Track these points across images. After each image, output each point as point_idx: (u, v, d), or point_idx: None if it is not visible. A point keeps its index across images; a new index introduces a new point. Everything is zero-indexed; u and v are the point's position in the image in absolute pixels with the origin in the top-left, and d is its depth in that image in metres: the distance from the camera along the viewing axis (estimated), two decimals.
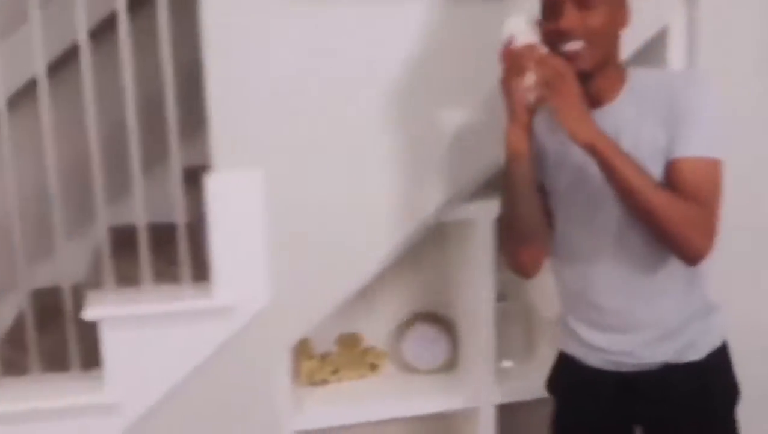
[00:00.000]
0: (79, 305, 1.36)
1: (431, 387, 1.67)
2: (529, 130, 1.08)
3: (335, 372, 1.69)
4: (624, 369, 1.16)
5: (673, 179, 1.05)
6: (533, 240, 1.18)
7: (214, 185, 1.34)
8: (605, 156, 1.01)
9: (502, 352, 1.62)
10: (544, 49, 1.03)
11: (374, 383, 1.71)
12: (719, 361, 1.18)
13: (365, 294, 1.57)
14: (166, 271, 1.44)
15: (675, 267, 1.10)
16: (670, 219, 1.01)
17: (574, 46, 1.03)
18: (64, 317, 1.37)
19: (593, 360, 1.18)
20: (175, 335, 1.38)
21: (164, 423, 1.40)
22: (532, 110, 1.05)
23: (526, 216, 1.15)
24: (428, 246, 1.64)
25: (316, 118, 1.36)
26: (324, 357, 1.71)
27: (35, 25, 1.27)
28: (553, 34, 1.04)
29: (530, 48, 1.03)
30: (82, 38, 1.30)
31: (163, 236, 1.42)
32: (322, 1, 1.31)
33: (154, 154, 1.39)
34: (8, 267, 1.38)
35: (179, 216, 1.39)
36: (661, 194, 1.02)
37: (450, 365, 1.70)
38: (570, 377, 1.25)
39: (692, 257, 1.06)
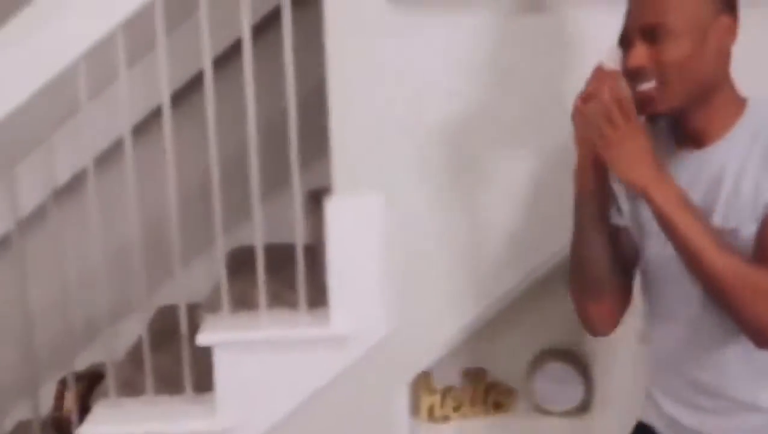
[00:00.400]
0: (196, 326, 1.38)
1: (563, 430, 1.58)
2: (597, 166, 0.94)
3: (457, 408, 1.64)
4: None
5: (759, 238, 0.87)
6: (600, 291, 1.04)
7: (333, 209, 1.32)
8: (657, 205, 0.87)
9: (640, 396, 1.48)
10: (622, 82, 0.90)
11: (499, 423, 1.65)
12: None
13: (492, 328, 1.51)
14: (283, 293, 1.44)
15: None
16: (734, 289, 0.85)
17: (644, 87, 0.90)
18: (180, 339, 1.39)
19: None
20: (289, 362, 1.36)
21: None
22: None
23: (591, 261, 1.02)
24: (560, 277, 1.52)
25: (439, 145, 1.33)
26: (446, 393, 1.66)
27: (161, 53, 1.32)
28: (625, 72, 0.91)
29: (606, 76, 0.91)
30: (207, 65, 1.34)
31: (283, 257, 1.44)
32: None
33: (281, 176, 1.41)
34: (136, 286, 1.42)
35: (298, 240, 1.39)
36: (726, 259, 0.85)
37: (584, 408, 1.60)
38: None
39: (762, 339, 0.87)
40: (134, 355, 1.51)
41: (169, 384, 1.43)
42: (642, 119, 0.92)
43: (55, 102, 1.32)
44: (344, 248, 1.33)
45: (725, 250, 0.86)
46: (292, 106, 1.32)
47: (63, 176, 1.60)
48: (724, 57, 0.92)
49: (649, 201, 0.88)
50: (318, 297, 1.37)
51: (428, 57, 1.29)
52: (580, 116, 0.91)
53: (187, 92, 1.71)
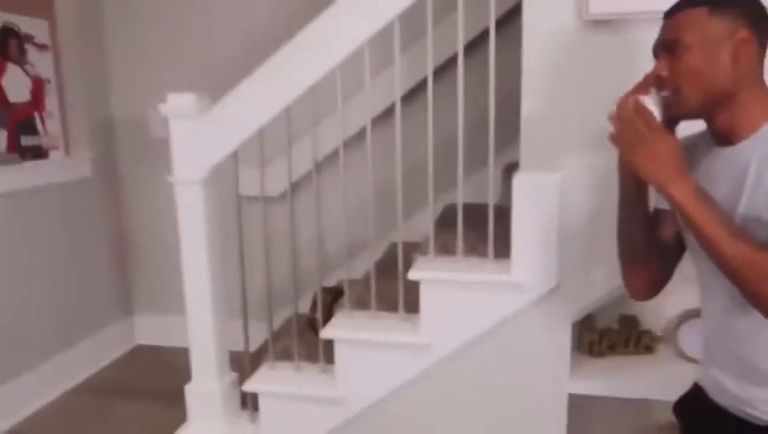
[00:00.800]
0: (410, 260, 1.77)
1: None
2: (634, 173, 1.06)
3: (612, 347, 1.86)
4: (747, 418, 1.06)
5: None
6: (637, 261, 1.17)
7: (518, 182, 1.60)
8: (676, 201, 0.96)
9: None
10: (655, 113, 1.02)
11: (646, 363, 1.84)
12: None
13: None
14: (477, 244, 1.76)
15: None
16: (742, 270, 0.92)
17: (663, 94, 1.02)
18: (397, 271, 1.79)
19: (721, 399, 1.11)
20: (478, 299, 1.69)
21: (460, 367, 1.74)
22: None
23: (629, 234, 1.16)
24: None
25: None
26: (603, 333, 1.87)
27: (397, 68, 1.70)
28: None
29: (635, 90, 1.05)
30: (429, 73, 1.69)
31: (482, 215, 1.73)
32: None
33: (486, 153, 1.71)
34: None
35: (490, 203, 1.70)
36: (739, 247, 0.92)
37: None
38: (698, 408, 1.18)
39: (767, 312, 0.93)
40: (367, 279, 1.92)
41: (389, 304, 1.85)
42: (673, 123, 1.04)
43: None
44: (525, 213, 1.60)
45: (736, 237, 0.93)
46: (492, 103, 1.62)
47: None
48: (745, 66, 0.99)
49: (669, 198, 0.97)
50: (505, 250, 1.67)
51: (611, 71, 1.46)
52: (614, 121, 1.04)
53: (416, 92, 2.14)
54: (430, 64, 1.67)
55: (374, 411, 1.82)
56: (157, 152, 2.84)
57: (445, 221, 2.01)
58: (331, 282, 2.27)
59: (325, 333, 1.82)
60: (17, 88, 2.52)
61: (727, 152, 1.04)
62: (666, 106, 1.03)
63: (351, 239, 1.86)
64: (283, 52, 1.73)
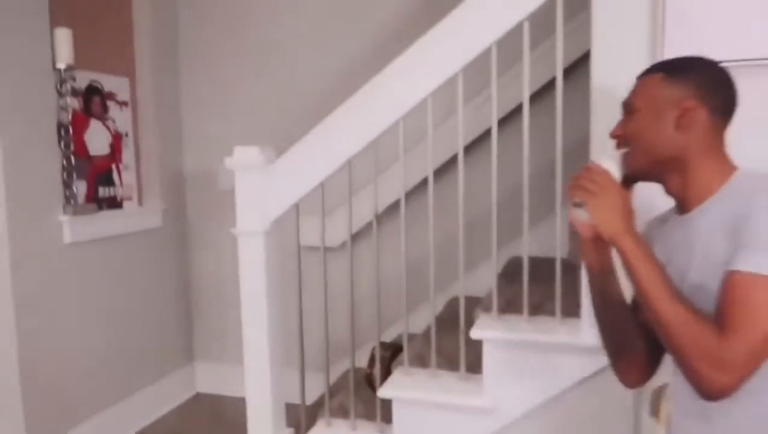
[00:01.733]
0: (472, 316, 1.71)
1: None
2: (595, 244, 1.08)
3: None
4: None
5: (717, 301, 0.93)
6: (623, 353, 1.15)
7: None
8: (622, 253, 0.97)
9: None
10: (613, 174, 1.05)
11: None
12: None
13: None
14: (545, 301, 1.69)
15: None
16: (680, 340, 0.90)
17: (621, 151, 1.08)
18: (458, 327, 1.73)
19: None
20: (544, 361, 1.60)
21: (523, 431, 1.65)
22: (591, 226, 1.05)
23: (608, 328, 1.14)
24: None
25: None
26: None
27: (460, 117, 1.70)
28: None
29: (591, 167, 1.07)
30: (494, 121, 1.68)
31: (550, 270, 1.67)
32: None
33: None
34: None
35: (557, 257, 1.63)
36: (677, 310, 0.91)
37: None
38: None
39: (702, 390, 0.90)
40: (426, 335, 1.88)
41: (449, 362, 1.79)
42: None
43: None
44: None
45: (679, 302, 0.92)
46: (559, 153, 1.59)
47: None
48: (694, 135, 1.01)
49: (617, 250, 0.99)
50: (574, 308, 1.59)
51: None
52: (574, 176, 1.06)
53: (480, 141, 2.14)
54: (495, 113, 1.65)
55: None
56: (224, 205, 2.92)
57: (509, 275, 1.94)
58: (389, 336, 2.23)
59: (383, 391, 1.77)
60: (98, 142, 2.66)
61: (682, 219, 1.06)
62: (622, 163, 1.07)
63: (410, 293, 1.82)
64: (345, 105, 1.75)
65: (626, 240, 0.98)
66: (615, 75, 1.47)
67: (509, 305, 1.73)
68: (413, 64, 1.67)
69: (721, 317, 0.91)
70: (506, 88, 1.79)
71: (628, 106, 1.08)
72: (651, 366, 1.16)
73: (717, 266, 0.95)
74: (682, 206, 1.06)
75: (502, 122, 1.77)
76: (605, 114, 1.48)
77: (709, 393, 0.90)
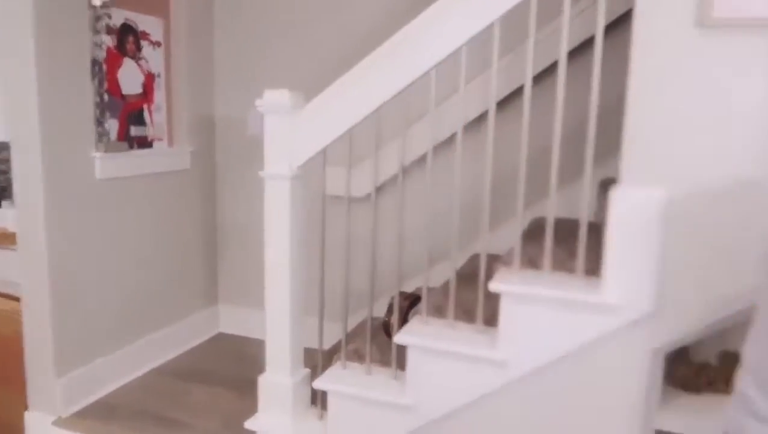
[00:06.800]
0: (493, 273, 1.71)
1: None
2: None
3: (710, 383, 1.72)
4: None
5: None
6: None
7: (617, 196, 1.51)
8: None
9: None
10: None
11: None
12: None
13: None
14: (566, 260, 1.68)
15: None
16: None
17: None
18: (477, 281, 1.75)
19: None
20: (561, 318, 1.60)
21: (536, 387, 1.66)
22: None
23: None
24: None
25: (720, 151, 1.41)
26: (701, 369, 1.73)
27: (494, 72, 1.65)
28: None
29: None
30: (528, 81, 1.64)
31: (573, 230, 1.67)
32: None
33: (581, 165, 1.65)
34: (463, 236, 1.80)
35: (583, 216, 1.61)
36: None
37: None
38: None
39: None
40: (445, 287, 1.90)
41: (467, 315, 1.81)
42: None
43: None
44: (621, 231, 1.50)
45: None
46: (593, 112, 1.55)
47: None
48: None
49: None
50: (595, 269, 1.59)
51: (729, 81, 1.38)
52: None
53: (512, 99, 2.08)
54: (530, 69, 1.61)
55: (442, 423, 1.77)
56: (251, 150, 2.94)
57: (532, 235, 1.94)
58: (408, 288, 2.25)
59: (399, 338, 1.78)
60: (131, 81, 2.68)
61: None
62: None
63: (432, 247, 1.82)
64: (377, 53, 1.73)
65: None
66: (659, 27, 1.43)
67: (530, 263, 1.72)
68: (450, 9, 1.63)
69: None
70: (541, 44, 1.74)
71: None
72: None
73: None
74: None
75: (537, 79, 1.73)
76: (646, 69, 1.46)
77: None
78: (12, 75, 2.20)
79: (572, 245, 1.64)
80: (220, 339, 3.14)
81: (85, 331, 2.44)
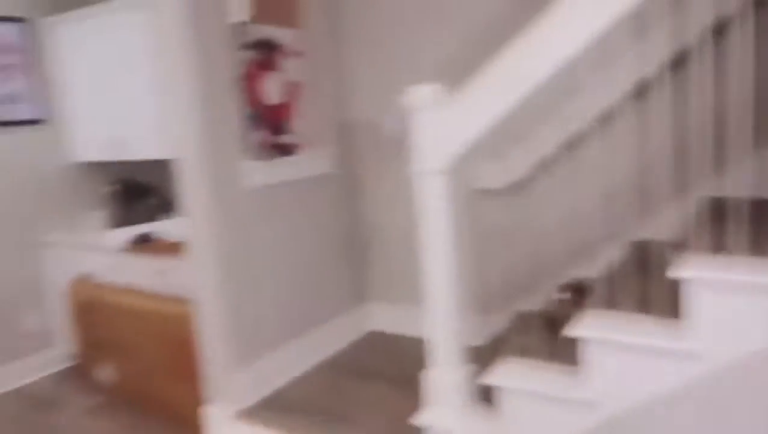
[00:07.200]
0: (662, 260, 1.58)
1: None
2: None
3: None
4: None
5: None
6: None
7: None
8: None
9: None
10: None
11: None
12: None
13: None
14: (758, 242, 1.53)
15: None
16: None
17: None
18: (651, 267, 1.63)
19: None
20: (760, 305, 1.45)
21: (732, 383, 1.52)
22: None
23: None
24: None
25: None
26: None
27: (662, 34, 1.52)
28: None
29: None
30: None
31: (760, 210, 1.51)
32: None
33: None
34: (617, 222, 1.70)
35: None
36: None
37: None
38: None
39: None
40: (610, 277, 1.79)
41: (640, 305, 1.69)
42: None
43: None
44: None
45: None
46: None
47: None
48: None
49: None
50: None
51: None
52: None
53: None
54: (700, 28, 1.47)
55: (624, 420, 1.67)
56: (388, 150, 2.97)
57: (702, 218, 1.77)
58: (562, 279, 2.15)
59: (575, 331, 1.70)
60: (273, 92, 2.80)
61: None
62: None
63: (582, 238, 1.73)
64: (524, 39, 1.66)
65: None
66: None
67: (716, 247, 1.58)
68: None
69: None
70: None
71: None
72: None
73: None
74: None
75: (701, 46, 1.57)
76: None
77: None
78: (176, 95, 2.37)
79: (759, 226, 1.47)
80: (372, 336, 3.21)
81: (254, 329, 2.59)
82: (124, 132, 3.37)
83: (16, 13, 3.40)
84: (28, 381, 3.44)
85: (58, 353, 3.58)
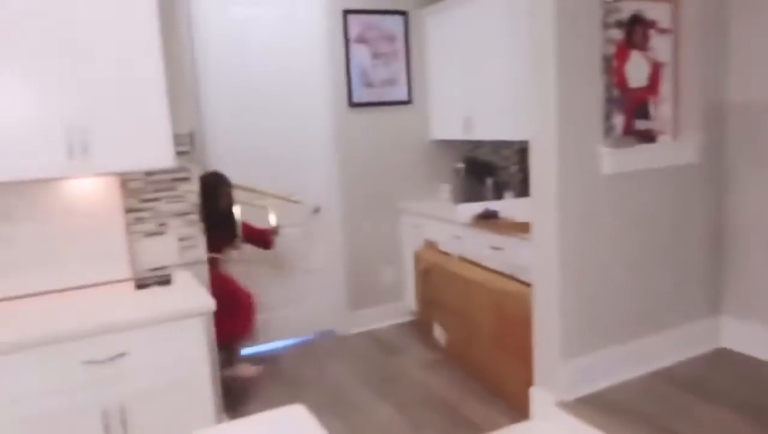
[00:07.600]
0: None
1: None
2: None
3: None
4: None
5: None
6: None
7: None
8: None
9: None
10: None
11: None
12: None
13: None
14: None
15: None
16: None
17: None
18: None
19: None
20: None
21: None
22: None
23: None
24: None
25: None
26: None
27: None
28: None
29: None
30: None
31: None
32: None
33: None
34: None
35: None
36: None
37: None
38: None
39: None
40: None
41: None
42: None
43: None
44: None
45: None
46: None
47: None
48: None
49: None
50: None
51: None
52: None
53: None
54: None
55: None
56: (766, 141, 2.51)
57: None
58: None
59: None
60: (637, 73, 2.62)
61: None
62: None
63: None
64: None
65: None
66: None
67: None
68: None
69: None
70: None
71: None
72: None
73: None
74: None
75: None
76: None
77: None
78: (538, 76, 2.40)
79: None
80: (722, 354, 2.80)
81: (589, 320, 2.50)
82: (474, 113, 3.57)
83: (400, 7, 3.88)
84: (379, 326, 3.98)
85: (404, 306, 4.05)
